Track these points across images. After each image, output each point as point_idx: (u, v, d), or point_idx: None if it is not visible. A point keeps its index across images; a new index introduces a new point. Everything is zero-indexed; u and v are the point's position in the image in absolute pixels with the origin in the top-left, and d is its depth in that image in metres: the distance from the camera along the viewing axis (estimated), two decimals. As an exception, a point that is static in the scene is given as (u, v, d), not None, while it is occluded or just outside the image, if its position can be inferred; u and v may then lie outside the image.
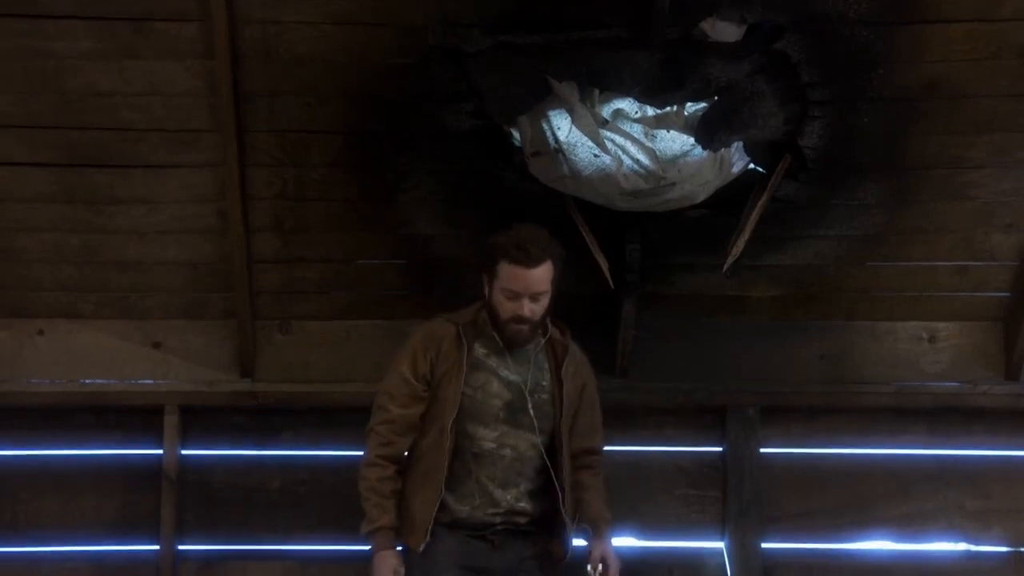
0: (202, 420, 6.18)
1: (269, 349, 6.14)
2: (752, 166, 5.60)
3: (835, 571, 6.21)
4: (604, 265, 5.67)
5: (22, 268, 5.93)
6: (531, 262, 4.79)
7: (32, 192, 5.67)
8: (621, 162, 5.35)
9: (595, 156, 5.36)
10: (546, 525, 4.92)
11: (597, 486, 5.14)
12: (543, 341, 4.99)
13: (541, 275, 4.81)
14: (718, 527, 6.19)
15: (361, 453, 4.86)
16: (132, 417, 6.15)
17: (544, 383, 4.98)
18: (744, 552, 6.12)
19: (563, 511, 4.89)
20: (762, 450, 6.22)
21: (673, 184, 5.41)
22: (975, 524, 6.20)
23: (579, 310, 5.56)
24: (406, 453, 4.90)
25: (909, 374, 6.19)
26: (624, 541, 6.15)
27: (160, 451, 6.13)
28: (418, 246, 5.92)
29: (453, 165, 5.62)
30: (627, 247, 5.75)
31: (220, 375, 6.11)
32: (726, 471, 6.20)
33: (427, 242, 5.89)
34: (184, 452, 6.16)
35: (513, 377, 4.92)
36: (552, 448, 4.92)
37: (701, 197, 5.54)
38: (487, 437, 4.86)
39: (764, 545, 6.15)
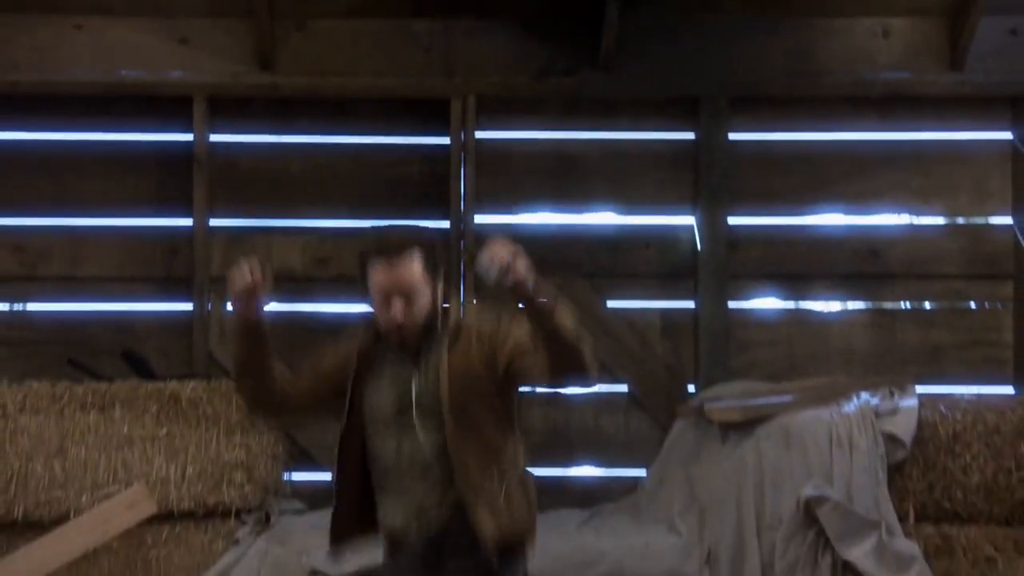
0: (228, 109, 6.60)
1: (287, 45, 6.50)
2: None
3: (794, 243, 6.60)
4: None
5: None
6: (392, 255, 4.14)
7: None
8: None
9: None
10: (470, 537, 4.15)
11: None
12: (443, 332, 4.25)
13: (407, 270, 4.14)
14: (690, 205, 6.58)
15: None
16: (164, 106, 6.55)
17: (435, 367, 4.24)
18: (712, 226, 6.53)
19: (472, 519, 4.12)
20: (730, 136, 6.58)
21: None
22: (917, 199, 6.60)
23: (564, 10, 5.99)
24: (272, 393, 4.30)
25: (864, 66, 6.55)
26: (606, 217, 6.60)
27: (191, 136, 6.50)
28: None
29: None
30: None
31: (243, 68, 6.50)
32: (698, 155, 6.60)
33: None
34: (212, 138, 6.55)
35: (405, 374, 4.23)
36: (449, 446, 4.18)
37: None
38: (385, 450, 4.23)
39: (730, 220, 6.53)
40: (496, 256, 3.94)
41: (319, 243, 6.62)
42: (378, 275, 4.16)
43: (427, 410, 4.21)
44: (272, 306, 6.39)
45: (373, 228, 4.50)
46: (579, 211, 6.68)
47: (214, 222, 6.58)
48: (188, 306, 6.52)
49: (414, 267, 4.18)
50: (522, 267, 3.96)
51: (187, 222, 6.56)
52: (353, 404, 4.26)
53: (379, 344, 4.29)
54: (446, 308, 4.29)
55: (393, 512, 4.24)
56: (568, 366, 4.05)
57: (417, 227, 4.33)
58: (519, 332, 4.21)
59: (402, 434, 4.23)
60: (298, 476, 6.42)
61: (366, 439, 4.27)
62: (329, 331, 6.39)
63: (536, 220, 6.68)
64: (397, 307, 4.16)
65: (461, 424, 4.21)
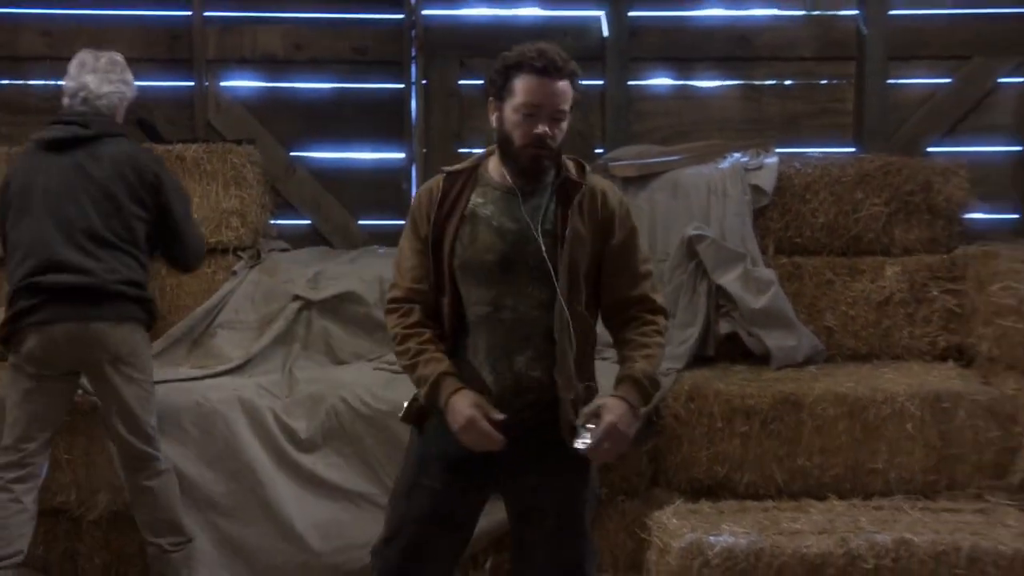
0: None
1: None
2: None
3: (682, 31, 6.58)
4: None
5: None
6: (555, 73, 3.49)
7: None
8: None
9: None
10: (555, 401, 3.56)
11: (648, 345, 3.63)
12: (554, 183, 3.60)
13: (564, 89, 3.51)
14: (600, 2, 6.52)
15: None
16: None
17: (551, 228, 3.56)
18: (617, 18, 6.51)
19: (560, 383, 3.54)
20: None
21: None
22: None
23: None
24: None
25: None
26: (532, 10, 6.57)
27: (189, -64, 6.25)
28: None
29: None
30: None
31: None
32: (606, -38, 6.46)
33: None
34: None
35: (511, 225, 3.56)
36: (570, 306, 3.54)
37: None
38: (482, 300, 3.58)
39: (631, 13, 6.52)
40: (607, 452, 3.51)
41: (296, 31, 6.53)
42: (532, 89, 3.49)
43: (538, 265, 3.55)
44: (256, 84, 6.52)
45: (528, 44, 3.59)
46: (509, 6, 6.63)
47: (208, 13, 6.45)
48: (190, 83, 6.51)
49: (568, 91, 3.54)
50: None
51: (187, 13, 6.45)
52: (439, 250, 3.59)
53: (470, 184, 3.63)
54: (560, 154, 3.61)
55: (484, 368, 3.59)
56: None
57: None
58: (631, 261, 3.64)
59: (505, 285, 3.57)
60: (282, 221, 6.52)
61: (458, 284, 3.59)
62: (302, 104, 6.52)
63: (475, 12, 6.64)
64: (548, 126, 3.50)
65: (572, 288, 3.55)
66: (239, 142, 5.92)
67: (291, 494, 5.27)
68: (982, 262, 5.70)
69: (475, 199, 3.62)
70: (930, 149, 6.52)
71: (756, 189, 5.90)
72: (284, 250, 6.24)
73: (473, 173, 3.66)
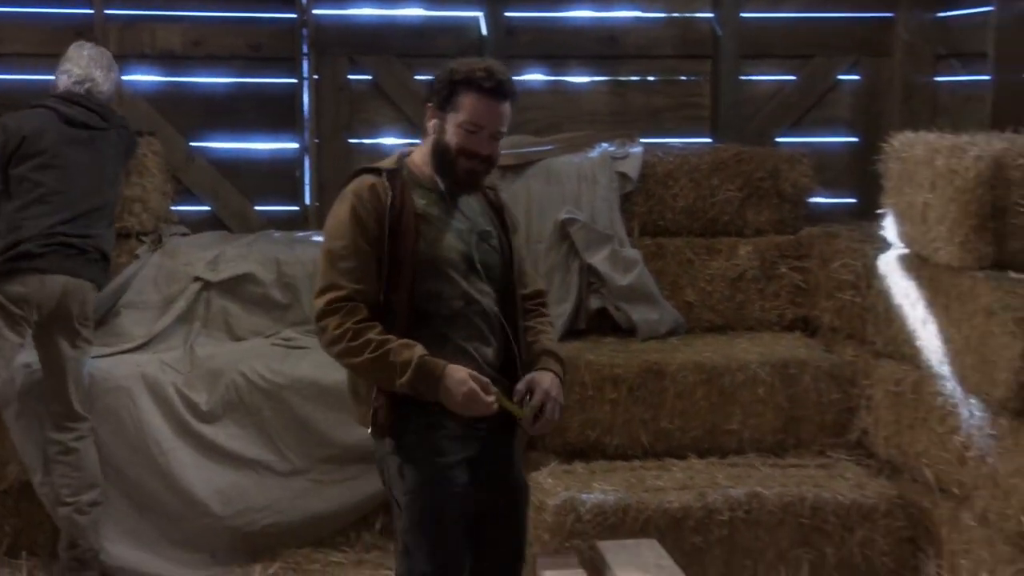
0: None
1: None
2: None
3: (555, 31, 6.54)
4: None
5: None
6: (502, 94, 3.40)
7: None
8: None
9: None
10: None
11: (548, 330, 3.72)
12: (493, 193, 3.67)
13: (507, 111, 3.45)
14: (478, 2, 6.43)
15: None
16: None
17: (491, 230, 3.57)
18: (494, 18, 6.43)
19: (520, 372, 3.56)
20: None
21: None
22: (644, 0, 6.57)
23: None
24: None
25: None
26: (416, 10, 6.50)
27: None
28: None
29: None
30: None
31: None
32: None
33: None
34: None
35: (461, 225, 3.49)
36: (506, 300, 3.56)
37: None
38: (450, 294, 3.44)
39: (507, 13, 6.45)
40: (547, 423, 3.44)
41: (195, 28, 6.41)
42: (482, 107, 3.36)
43: (491, 262, 3.52)
44: (157, 79, 6.39)
45: (476, 60, 3.48)
46: (394, 7, 6.57)
47: (109, 11, 6.30)
48: (94, 77, 6.34)
49: (509, 112, 3.46)
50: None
51: (89, 11, 6.30)
52: (399, 249, 3.37)
53: (407, 185, 3.43)
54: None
55: (460, 359, 3.41)
56: None
57: None
58: (525, 255, 3.72)
59: (468, 282, 3.46)
60: (183, 208, 6.43)
61: (417, 283, 3.39)
62: (201, 98, 6.41)
63: (362, 12, 6.56)
64: (487, 144, 3.40)
65: (516, 279, 3.59)
66: (140, 134, 5.81)
67: (193, 463, 5.23)
68: (824, 242, 5.84)
69: (418, 200, 3.46)
70: (778, 140, 6.62)
71: (622, 176, 5.95)
72: (185, 235, 6.17)
73: (400, 174, 3.49)
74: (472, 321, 3.47)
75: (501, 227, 3.58)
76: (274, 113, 6.50)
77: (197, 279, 5.75)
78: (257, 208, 6.55)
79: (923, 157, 4.83)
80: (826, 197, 6.45)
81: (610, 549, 3.37)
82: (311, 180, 6.45)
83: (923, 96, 6.51)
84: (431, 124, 3.47)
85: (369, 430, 3.47)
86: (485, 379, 3.36)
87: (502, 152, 5.89)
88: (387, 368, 3.31)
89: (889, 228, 5.25)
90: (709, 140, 6.53)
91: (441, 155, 3.44)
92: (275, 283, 5.71)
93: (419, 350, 3.32)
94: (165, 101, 6.45)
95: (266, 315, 5.73)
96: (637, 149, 6.05)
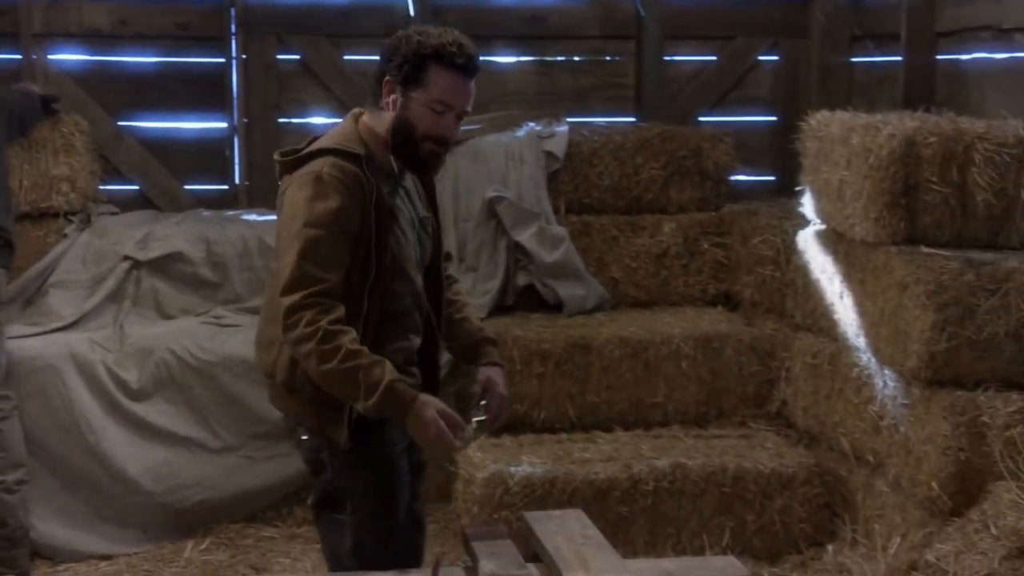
0: None
1: None
2: None
3: (481, 10, 6.50)
4: None
5: None
6: (473, 71, 3.09)
7: None
8: None
9: None
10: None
11: (468, 301, 3.51)
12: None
13: (473, 89, 3.13)
14: None
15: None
16: None
17: (428, 216, 3.31)
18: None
19: (441, 364, 3.45)
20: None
21: None
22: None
23: None
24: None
25: None
26: None
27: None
28: None
29: None
30: None
31: None
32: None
33: None
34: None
35: (410, 215, 3.22)
36: (432, 286, 3.32)
37: None
38: (406, 292, 3.21)
39: None
40: (500, 420, 3.25)
41: (121, 8, 6.31)
42: (451, 88, 3.04)
43: (426, 247, 3.28)
44: (83, 58, 6.30)
45: (440, 30, 3.11)
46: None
47: None
48: (18, 56, 6.25)
49: (474, 90, 3.14)
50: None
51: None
52: (382, 250, 3.10)
53: (372, 172, 3.08)
54: None
55: (406, 359, 3.23)
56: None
57: None
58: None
59: (417, 277, 3.23)
60: (112, 187, 6.36)
61: (386, 284, 3.13)
62: (128, 77, 6.34)
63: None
64: (452, 123, 3.09)
65: (441, 272, 3.34)
66: (49, 101, 5.68)
67: (124, 440, 5.20)
68: (745, 219, 5.93)
69: (384, 190, 3.12)
70: (701, 119, 6.69)
71: (549, 155, 5.98)
72: (113, 214, 6.11)
73: (372, 161, 3.11)
74: (413, 316, 3.26)
75: (433, 209, 3.32)
76: (203, 92, 6.46)
77: (126, 258, 5.70)
78: (186, 187, 6.50)
79: (839, 136, 4.92)
80: (747, 175, 6.54)
81: (537, 520, 3.40)
82: (240, 159, 6.41)
83: (839, 76, 6.61)
84: (391, 99, 3.10)
85: (310, 431, 3.26)
86: (454, 417, 3.08)
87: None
88: (354, 384, 3.00)
89: (807, 205, 5.34)
90: (633, 119, 6.58)
91: (404, 136, 3.09)
92: (205, 262, 5.67)
93: (389, 372, 3.01)
94: (92, 80, 6.37)
95: (196, 294, 5.70)
96: (563, 128, 6.08)
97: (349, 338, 3.01)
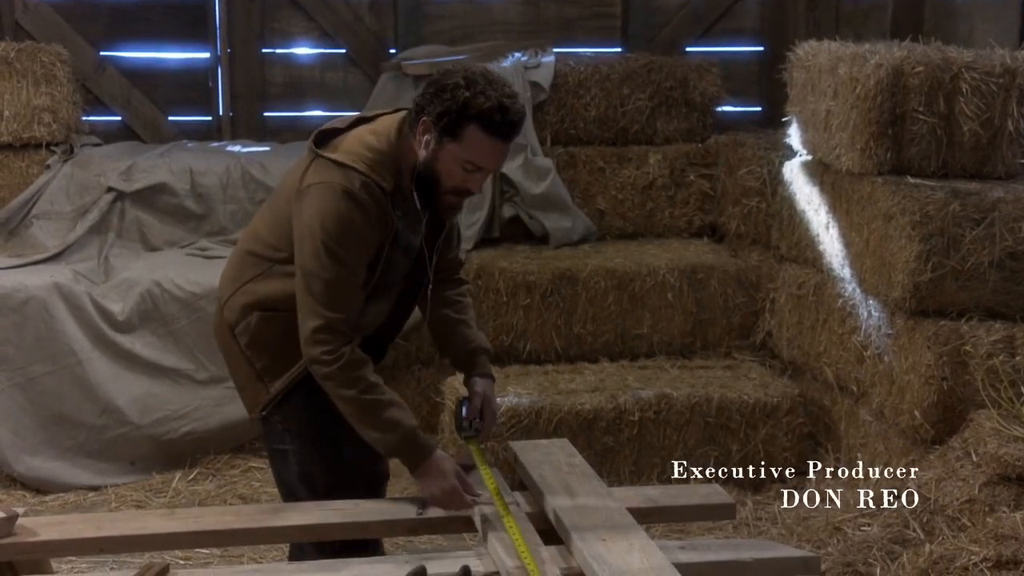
0: None
1: None
2: None
3: None
4: None
5: None
6: (511, 136, 3.05)
7: None
8: None
9: None
10: None
11: (470, 311, 3.49)
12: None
13: (508, 150, 3.11)
14: None
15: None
16: None
17: (417, 244, 3.23)
18: None
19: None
20: None
21: None
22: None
23: None
24: None
25: None
26: None
27: None
28: None
29: None
30: None
31: None
32: None
33: None
34: None
35: (412, 242, 3.19)
36: (401, 309, 3.36)
37: None
38: (382, 312, 3.27)
39: None
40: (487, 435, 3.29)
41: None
42: (486, 152, 3.02)
43: (413, 272, 3.26)
44: None
45: (489, 89, 3.00)
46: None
47: None
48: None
49: (508, 151, 3.14)
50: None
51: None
52: (385, 277, 3.16)
53: (397, 206, 3.10)
54: None
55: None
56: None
57: None
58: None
59: (392, 297, 3.26)
60: (95, 118, 6.28)
61: (371, 304, 3.18)
62: (110, 7, 6.23)
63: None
64: (479, 180, 3.09)
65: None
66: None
67: (110, 372, 5.18)
68: (731, 150, 5.89)
69: (397, 213, 3.11)
70: (688, 49, 6.62)
71: (535, 85, 5.92)
72: (97, 145, 6.04)
73: (398, 196, 3.10)
74: (369, 329, 3.24)
75: (435, 231, 3.24)
76: (185, 22, 6.35)
77: (110, 189, 5.64)
78: (170, 118, 6.41)
79: (826, 66, 4.87)
80: (733, 106, 6.48)
81: (523, 449, 3.41)
82: (223, 90, 6.32)
83: (827, 6, 6.53)
84: (423, 139, 3.06)
85: (262, 413, 3.26)
86: (467, 480, 3.14)
87: (415, 62, 6.02)
88: (371, 417, 3.06)
89: (794, 136, 5.32)
90: (620, 50, 6.51)
91: (429, 179, 3.09)
92: (189, 193, 5.64)
93: (408, 418, 3.09)
94: (73, 10, 6.26)
95: (180, 225, 5.67)
96: (549, 59, 6.02)
97: (368, 369, 3.07)
